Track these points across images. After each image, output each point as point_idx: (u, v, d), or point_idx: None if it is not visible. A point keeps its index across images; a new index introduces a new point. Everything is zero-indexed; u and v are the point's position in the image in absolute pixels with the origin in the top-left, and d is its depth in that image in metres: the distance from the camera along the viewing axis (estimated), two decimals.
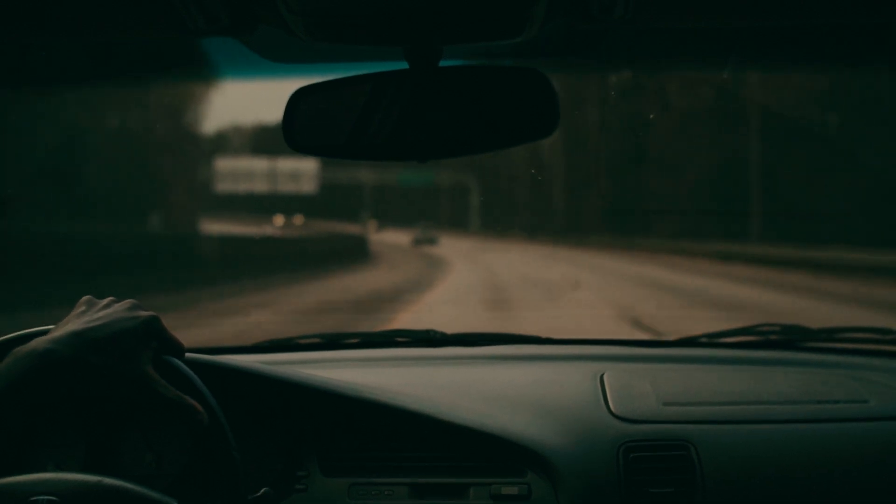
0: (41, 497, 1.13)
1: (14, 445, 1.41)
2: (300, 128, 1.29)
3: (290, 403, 1.62)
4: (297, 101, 1.28)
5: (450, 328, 2.26)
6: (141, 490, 1.21)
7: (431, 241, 18.28)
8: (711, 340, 2.21)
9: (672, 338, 2.28)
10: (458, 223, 20.03)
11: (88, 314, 1.29)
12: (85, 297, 1.35)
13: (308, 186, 16.03)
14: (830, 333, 2.20)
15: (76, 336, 1.23)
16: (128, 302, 1.33)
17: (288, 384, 1.61)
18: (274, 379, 1.61)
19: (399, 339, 2.28)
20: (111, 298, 1.34)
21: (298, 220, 17.61)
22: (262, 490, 1.40)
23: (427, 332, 2.25)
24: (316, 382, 1.63)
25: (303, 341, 2.25)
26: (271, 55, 1.57)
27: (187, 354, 1.44)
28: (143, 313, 1.31)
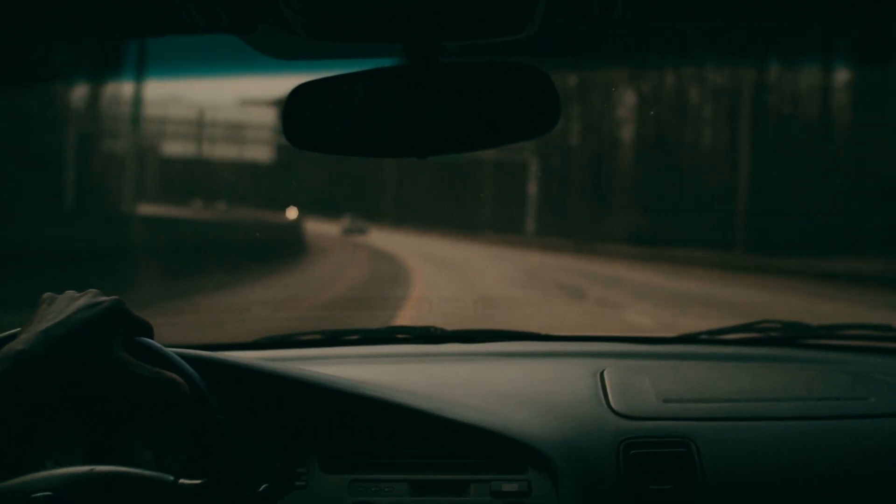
0: (38, 494, 1.14)
1: (13, 446, 1.42)
2: (300, 124, 1.29)
3: (289, 400, 1.63)
4: (296, 97, 1.28)
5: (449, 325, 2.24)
6: (134, 470, 1.22)
7: (360, 231, 15.02)
8: (712, 337, 2.21)
9: (672, 334, 2.28)
10: (507, 224, 12.53)
11: (52, 311, 1.29)
12: (46, 295, 1.35)
13: (258, 152, 10.93)
14: (831, 330, 2.20)
15: (45, 334, 1.24)
16: (89, 292, 1.34)
17: (288, 381, 1.61)
18: (274, 375, 1.61)
19: (399, 336, 2.28)
20: (71, 292, 1.34)
21: (220, 206, 13.93)
22: (262, 487, 1.40)
23: (427, 328, 2.25)
24: (316, 379, 1.64)
25: (303, 338, 2.25)
26: (271, 52, 1.57)
27: (188, 351, 1.45)
28: (105, 299, 1.32)
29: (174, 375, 1.31)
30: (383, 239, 13.85)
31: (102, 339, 1.27)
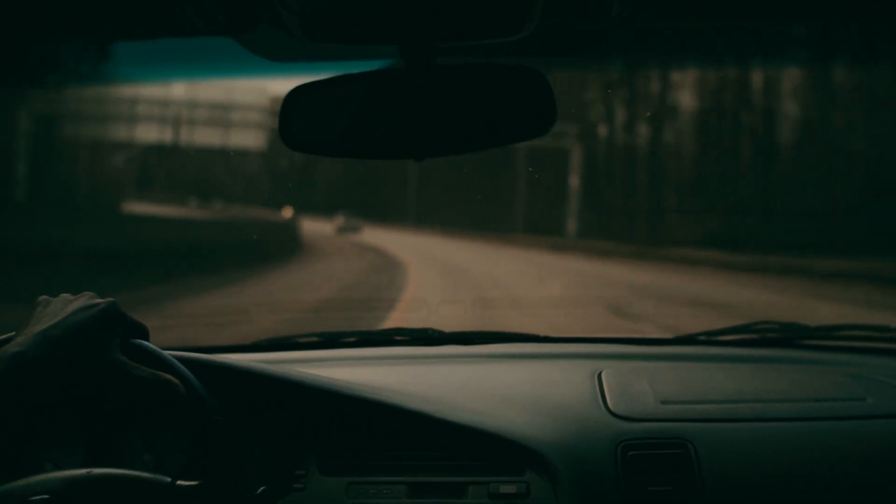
0: (35, 497, 1.14)
1: (12, 448, 1.42)
2: (297, 126, 1.29)
3: (288, 402, 1.62)
4: (294, 99, 1.28)
5: (448, 327, 2.25)
6: (131, 472, 1.22)
7: (354, 230, 14.78)
8: (710, 338, 2.21)
9: (670, 336, 2.28)
10: (544, 224, 10.16)
11: (48, 313, 1.30)
12: (41, 298, 1.35)
13: (250, 139, 9.13)
14: (829, 331, 2.20)
15: (41, 336, 1.24)
16: (84, 294, 1.34)
17: (286, 383, 1.61)
18: (272, 378, 1.61)
19: (397, 338, 2.28)
20: (66, 295, 1.35)
21: (217, 205, 13.53)
22: (261, 489, 1.40)
23: (425, 330, 2.25)
24: (314, 381, 1.63)
25: (301, 340, 2.25)
26: (269, 54, 1.57)
27: (186, 354, 1.45)
28: (101, 302, 1.32)
29: (170, 377, 1.31)
30: (397, 242, 12.02)
31: (99, 341, 1.27)
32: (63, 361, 1.23)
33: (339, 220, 15.09)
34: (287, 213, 13.25)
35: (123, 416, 1.48)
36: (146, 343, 1.35)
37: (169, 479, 1.25)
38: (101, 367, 1.26)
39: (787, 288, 8.01)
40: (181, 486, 1.25)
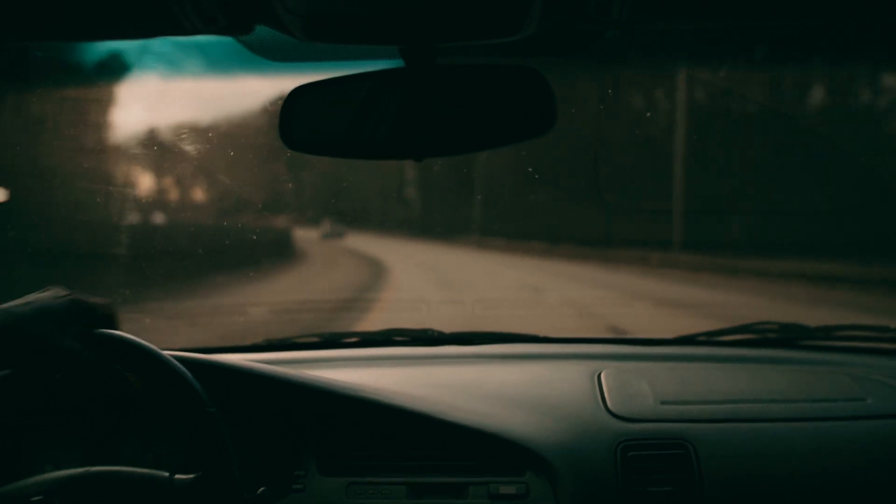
0: (36, 498, 1.15)
1: (11, 449, 1.42)
2: (296, 126, 1.29)
3: (287, 403, 1.62)
4: (293, 99, 1.28)
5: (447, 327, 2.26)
6: (129, 469, 1.22)
7: (339, 235, 15.86)
8: (709, 339, 2.21)
9: (670, 336, 2.28)
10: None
11: (19, 300, 1.32)
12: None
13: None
14: (828, 332, 2.20)
15: (6, 311, 1.27)
16: (56, 287, 1.36)
17: (285, 383, 1.61)
18: (271, 378, 1.61)
19: (397, 338, 2.28)
20: (42, 291, 1.37)
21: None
22: (260, 489, 1.40)
23: (425, 330, 2.25)
24: (314, 381, 1.63)
25: (301, 340, 2.25)
26: (269, 54, 1.57)
27: (186, 354, 1.44)
28: (70, 293, 1.34)
29: (121, 369, 1.32)
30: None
31: (61, 325, 1.29)
32: (24, 336, 1.25)
33: (325, 226, 14.99)
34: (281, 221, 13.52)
35: (122, 418, 1.48)
36: (112, 332, 1.34)
37: (167, 475, 1.25)
38: (59, 350, 1.28)
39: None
40: (180, 480, 1.25)
